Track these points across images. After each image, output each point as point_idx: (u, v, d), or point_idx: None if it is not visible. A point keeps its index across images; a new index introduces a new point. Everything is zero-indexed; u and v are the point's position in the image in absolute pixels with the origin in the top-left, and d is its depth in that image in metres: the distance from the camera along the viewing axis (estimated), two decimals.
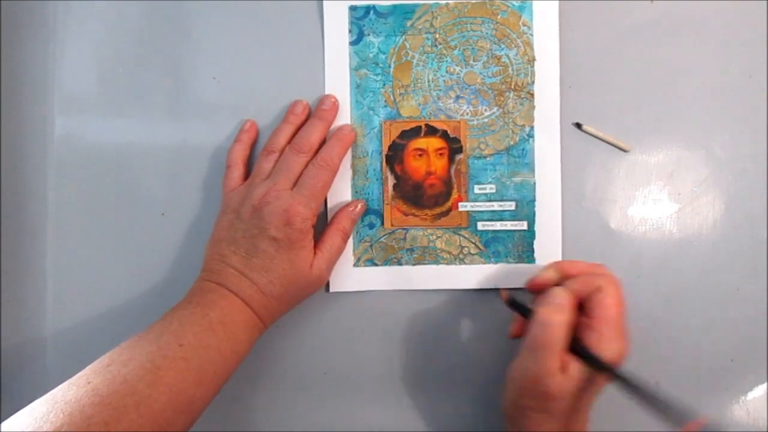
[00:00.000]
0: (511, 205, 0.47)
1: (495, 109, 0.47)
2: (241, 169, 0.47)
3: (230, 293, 0.42)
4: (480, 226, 0.47)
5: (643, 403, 0.34)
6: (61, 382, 0.48)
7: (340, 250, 0.46)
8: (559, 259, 0.47)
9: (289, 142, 0.46)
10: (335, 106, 0.47)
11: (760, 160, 0.47)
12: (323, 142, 0.46)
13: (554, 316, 0.38)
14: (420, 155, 0.48)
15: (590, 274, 0.40)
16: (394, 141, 0.48)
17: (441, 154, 0.48)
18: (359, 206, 0.47)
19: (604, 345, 0.38)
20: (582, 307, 0.40)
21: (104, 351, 0.49)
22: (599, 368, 0.37)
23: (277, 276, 0.42)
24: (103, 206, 0.49)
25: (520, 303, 0.42)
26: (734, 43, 0.47)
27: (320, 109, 0.47)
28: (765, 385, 0.47)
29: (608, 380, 0.37)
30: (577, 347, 0.38)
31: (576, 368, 0.37)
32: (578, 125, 0.45)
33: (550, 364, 0.37)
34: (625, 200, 0.47)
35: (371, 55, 0.48)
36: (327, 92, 0.48)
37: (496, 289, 0.47)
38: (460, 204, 0.47)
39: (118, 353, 0.38)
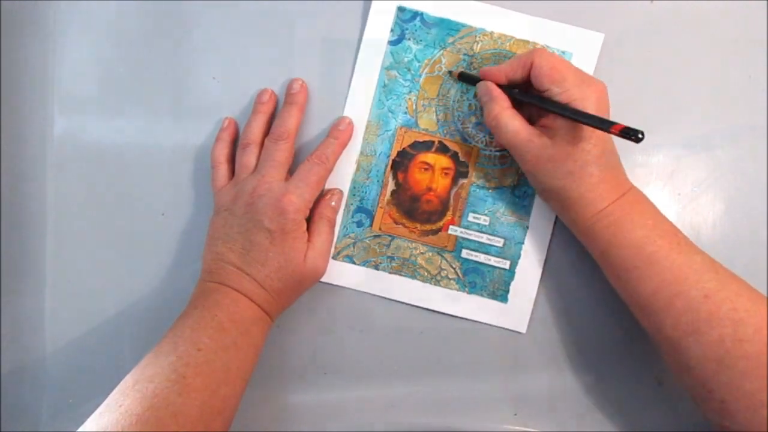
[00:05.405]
0: (499, 242, 0.47)
1: None
2: (227, 166, 0.47)
3: (233, 290, 0.42)
4: (464, 253, 0.47)
5: (579, 120, 0.39)
6: (60, 381, 0.49)
7: (329, 239, 0.46)
8: (532, 302, 0.47)
9: (263, 131, 0.46)
10: (304, 88, 0.47)
11: (760, 160, 0.47)
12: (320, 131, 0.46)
13: (489, 105, 0.42)
14: (425, 169, 0.48)
15: (520, 55, 0.42)
16: (404, 149, 0.48)
17: (446, 174, 0.47)
18: (336, 193, 0.47)
19: (559, 92, 0.40)
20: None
21: (104, 351, 0.49)
22: (550, 108, 0.40)
23: (273, 269, 0.43)
24: (103, 206, 0.49)
25: (469, 74, 0.46)
26: (734, 43, 0.47)
27: (290, 94, 0.47)
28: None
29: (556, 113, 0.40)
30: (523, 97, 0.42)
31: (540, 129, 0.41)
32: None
33: (519, 137, 0.41)
34: None
35: (406, 60, 0.47)
36: (353, 85, 0.47)
37: (464, 319, 0.47)
38: (451, 227, 0.47)
39: (141, 371, 0.37)
